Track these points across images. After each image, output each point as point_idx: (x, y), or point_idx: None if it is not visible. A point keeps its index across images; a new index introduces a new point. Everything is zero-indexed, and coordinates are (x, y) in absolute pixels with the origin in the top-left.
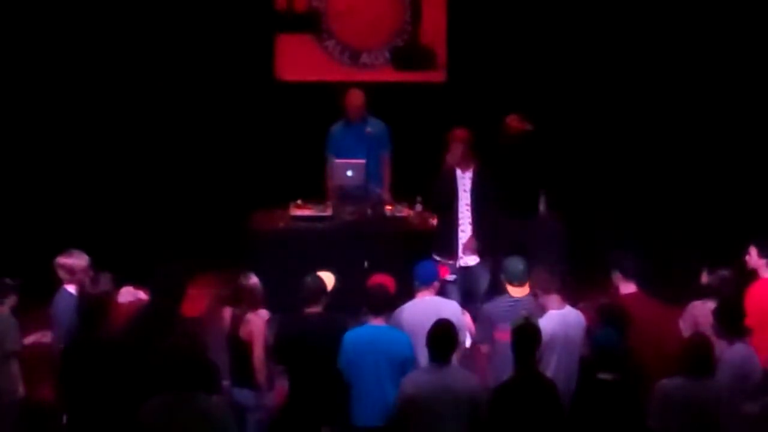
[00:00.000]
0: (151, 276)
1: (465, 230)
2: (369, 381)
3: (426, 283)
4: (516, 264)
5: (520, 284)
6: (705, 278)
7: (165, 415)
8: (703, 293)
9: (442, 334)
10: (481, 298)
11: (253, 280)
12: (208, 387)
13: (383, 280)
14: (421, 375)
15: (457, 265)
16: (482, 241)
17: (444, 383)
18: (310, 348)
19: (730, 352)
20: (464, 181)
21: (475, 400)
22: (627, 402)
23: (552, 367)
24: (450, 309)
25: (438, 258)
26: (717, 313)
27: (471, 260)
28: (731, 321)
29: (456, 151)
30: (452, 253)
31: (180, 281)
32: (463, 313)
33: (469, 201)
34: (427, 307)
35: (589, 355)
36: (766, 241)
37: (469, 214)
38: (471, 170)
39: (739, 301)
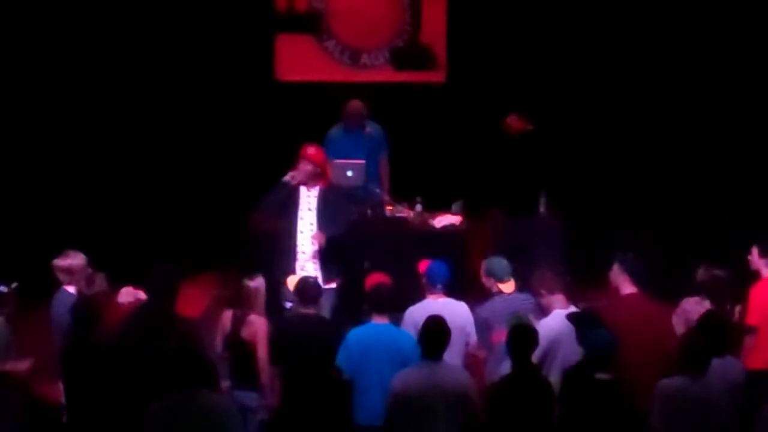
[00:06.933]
0: (149, 276)
1: (305, 251)
2: (372, 379)
3: (437, 284)
4: (499, 262)
5: (509, 279)
6: (701, 275)
7: (172, 415)
8: (696, 291)
9: (434, 330)
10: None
11: (258, 282)
12: (208, 386)
13: (382, 278)
14: (412, 372)
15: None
16: (327, 264)
17: (434, 379)
18: (306, 348)
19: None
20: (309, 199)
21: (467, 396)
22: (623, 401)
23: (557, 365)
24: (461, 311)
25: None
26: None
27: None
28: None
29: (304, 168)
30: (288, 275)
31: (173, 282)
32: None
33: (314, 221)
34: (437, 308)
35: (584, 355)
36: (767, 241)
37: (311, 234)
38: (317, 189)
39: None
